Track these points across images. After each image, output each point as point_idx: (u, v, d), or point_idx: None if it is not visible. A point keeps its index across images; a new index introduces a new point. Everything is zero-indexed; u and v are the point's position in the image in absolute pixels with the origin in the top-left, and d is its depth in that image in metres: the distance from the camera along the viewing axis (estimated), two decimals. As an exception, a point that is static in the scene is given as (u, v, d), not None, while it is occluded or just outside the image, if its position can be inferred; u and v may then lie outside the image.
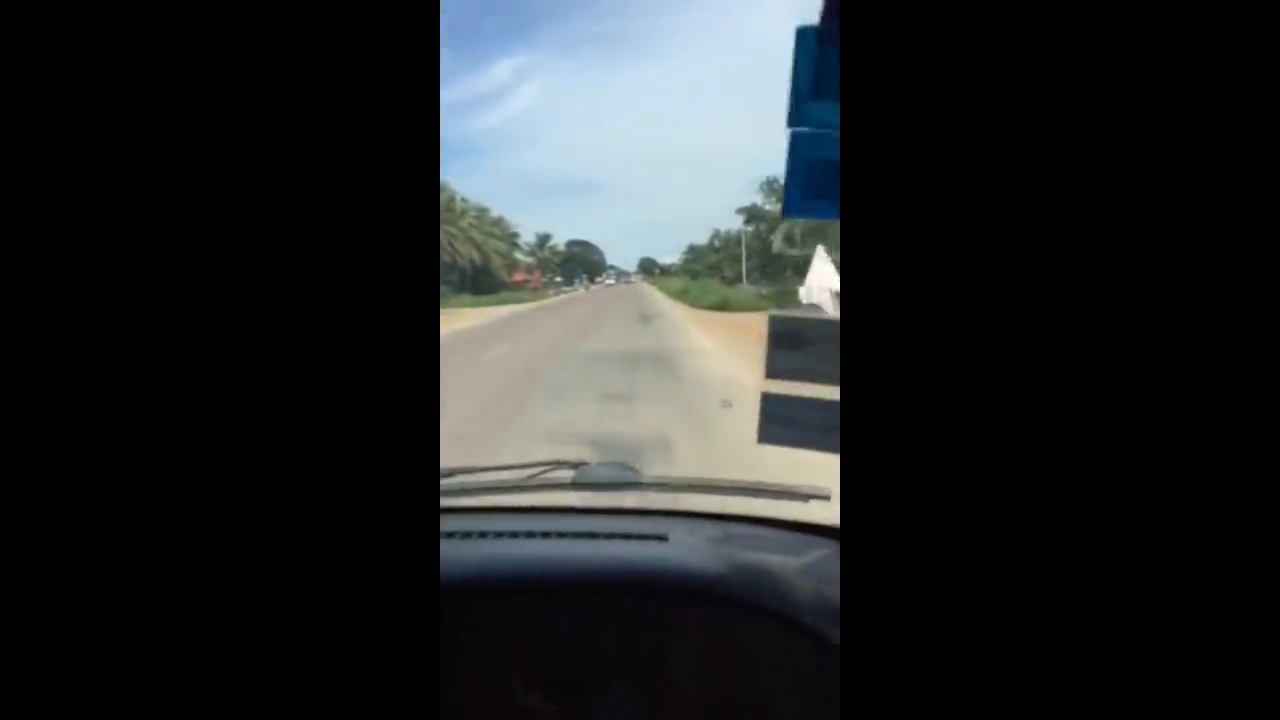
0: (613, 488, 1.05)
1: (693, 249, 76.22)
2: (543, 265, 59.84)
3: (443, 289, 34.35)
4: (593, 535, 0.95)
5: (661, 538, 0.93)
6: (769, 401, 0.75)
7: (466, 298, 33.99)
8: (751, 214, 36.82)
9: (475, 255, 37.21)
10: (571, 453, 1.15)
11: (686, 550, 0.91)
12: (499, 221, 45.29)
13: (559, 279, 61.04)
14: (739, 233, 39.32)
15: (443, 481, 1.05)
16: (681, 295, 29.87)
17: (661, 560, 0.88)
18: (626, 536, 0.95)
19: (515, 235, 47.66)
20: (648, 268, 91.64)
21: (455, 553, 0.90)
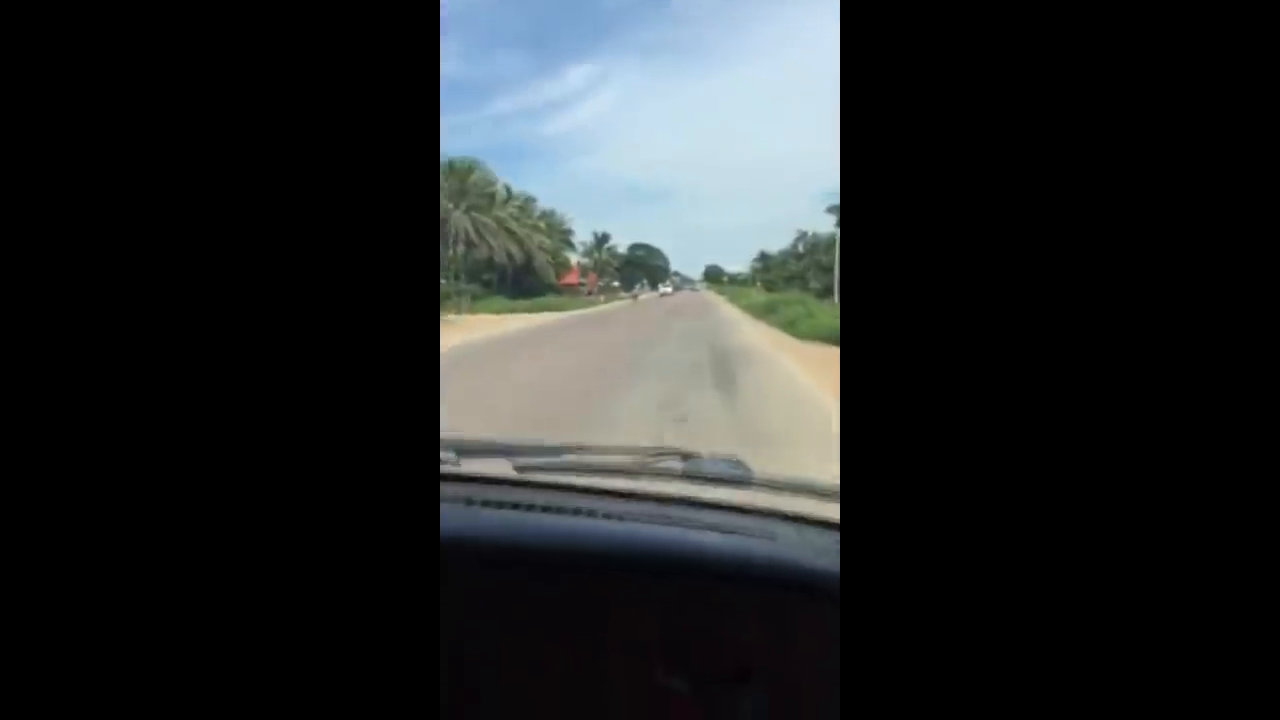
0: (722, 483, 1.04)
1: (764, 256, 70.14)
2: (599, 268, 54.24)
3: (472, 289, 29.09)
4: (699, 526, 0.92)
5: (769, 537, 0.92)
6: None
7: (498, 301, 28.47)
8: (847, 213, 30.55)
9: (515, 250, 31.78)
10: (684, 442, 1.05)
11: (795, 548, 0.90)
12: (548, 215, 39.84)
13: (616, 284, 55.30)
14: (830, 235, 33.08)
15: (552, 459, 1.09)
16: (767, 314, 21.00)
17: (771, 553, 0.87)
18: (732, 531, 0.92)
19: (569, 232, 41.99)
20: (714, 275, 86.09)
21: (563, 525, 0.90)
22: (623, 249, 71.58)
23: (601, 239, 55.15)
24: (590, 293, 50.16)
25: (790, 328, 15.80)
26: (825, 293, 29.03)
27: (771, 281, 51.45)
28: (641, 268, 72.44)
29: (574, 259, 47.49)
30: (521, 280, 33.23)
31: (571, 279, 44.33)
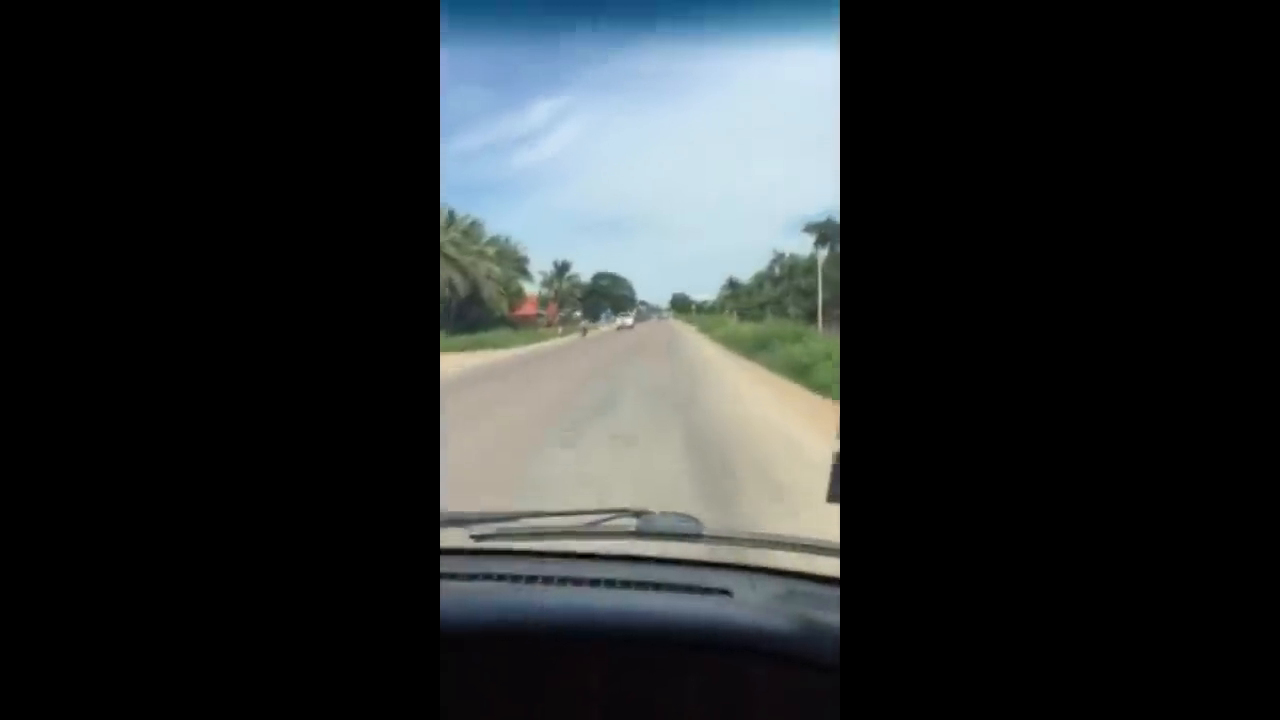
0: (675, 538, 1.06)
1: (734, 284, 67.29)
2: (560, 298, 50.72)
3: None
4: (656, 586, 0.94)
5: (725, 592, 0.93)
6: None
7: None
8: (825, 233, 27.54)
9: (458, 280, 28.13)
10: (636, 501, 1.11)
11: (750, 607, 0.90)
12: (498, 242, 36.25)
13: (578, 314, 51.74)
14: (810, 257, 30.03)
15: (505, 524, 1.09)
16: (756, 350, 15.38)
17: (728, 617, 0.88)
18: (690, 589, 0.94)
19: (523, 260, 38.41)
20: (681, 304, 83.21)
21: (524, 598, 0.91)
22: (587, 278, 68.77)
23: (562, 267, 51.81)
24: (550, 324, 46.68)
25: (803, 376, 10.35)
26: (808, 319, 25.82)
27: (744, 309, 48.57)
28: (606, 297, 69.19)
29: (531, 289, 43.97)
30: (467, 312, 29.53)
31: (528, 310, 40.69)
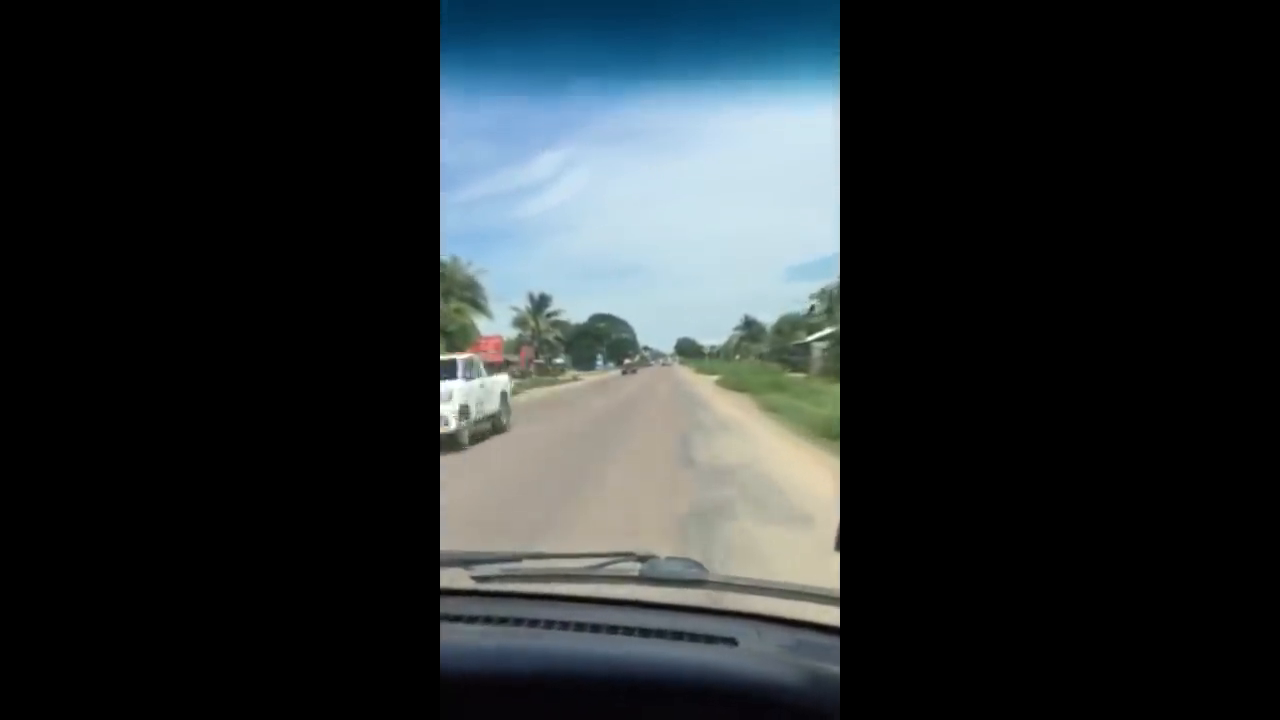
0: (680, 584, 1.04)
1: (750, 323, 57.91)
2: (538, 342, 40.80)
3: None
4: (661, 634, 0.93)
5: (730, 640, 0.92)
6: None
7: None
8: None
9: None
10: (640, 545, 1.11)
11: (756, 657, 0.89)
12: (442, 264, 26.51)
13: (560, 360, 41.89)
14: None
15: (508, 565, 1.08)
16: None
17: (733, 667, 0.87)
18: (694, 637, 0.93)
19: (475, 290, 28.39)
20: (688, 349, 73.97)
21: (524, 643, 0.91)
22: (583, 319, 59.61)
23: (539, 302, 41.99)
24: (520, 373, 37.04)
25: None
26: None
27: (764, 355, 39.17)
28: (601, 340, 59.69)
29: (492, 328, 34.41)
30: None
31: (486, 349, 30.72)
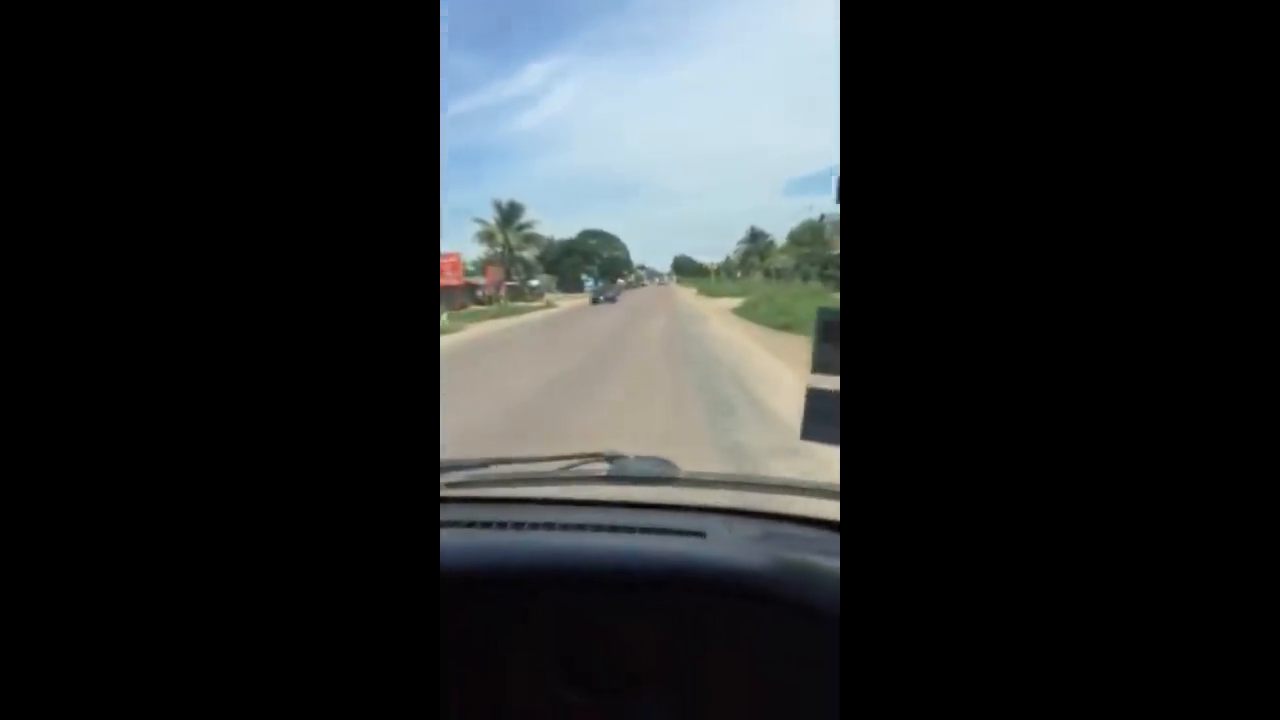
0: (649, 482, 1.05)
1: (756, 235, 51.48)
2: (508, 259, 34.39)
3: None
4: (629, 529, 0.94)
5: (699, 534, 0.93)
6: (814, 397, 0.75)
7: None
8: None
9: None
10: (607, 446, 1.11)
11: (724, 546, 0.91)
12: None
13: (535, 282, 35.56)
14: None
15: (476, 471, 1.09)
16: None
17: (700, 556, 0.88)
18: (664, 531, 0.94)
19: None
20: (686, 268, 67.64)
21: (489, 542, 0.92)
22: (573, 236, 52.80)
23: (509, 212, 35.12)
24: (488, 297, 30.92)
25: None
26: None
27: (784, 270, 33.07)
28: (591, 259, 53.24)
29: (453, 246, 28.04)
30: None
31: (444, 278, 24.31)
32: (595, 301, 28.25)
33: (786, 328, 11.07)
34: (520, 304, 28.84)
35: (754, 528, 0.96)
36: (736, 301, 19.84)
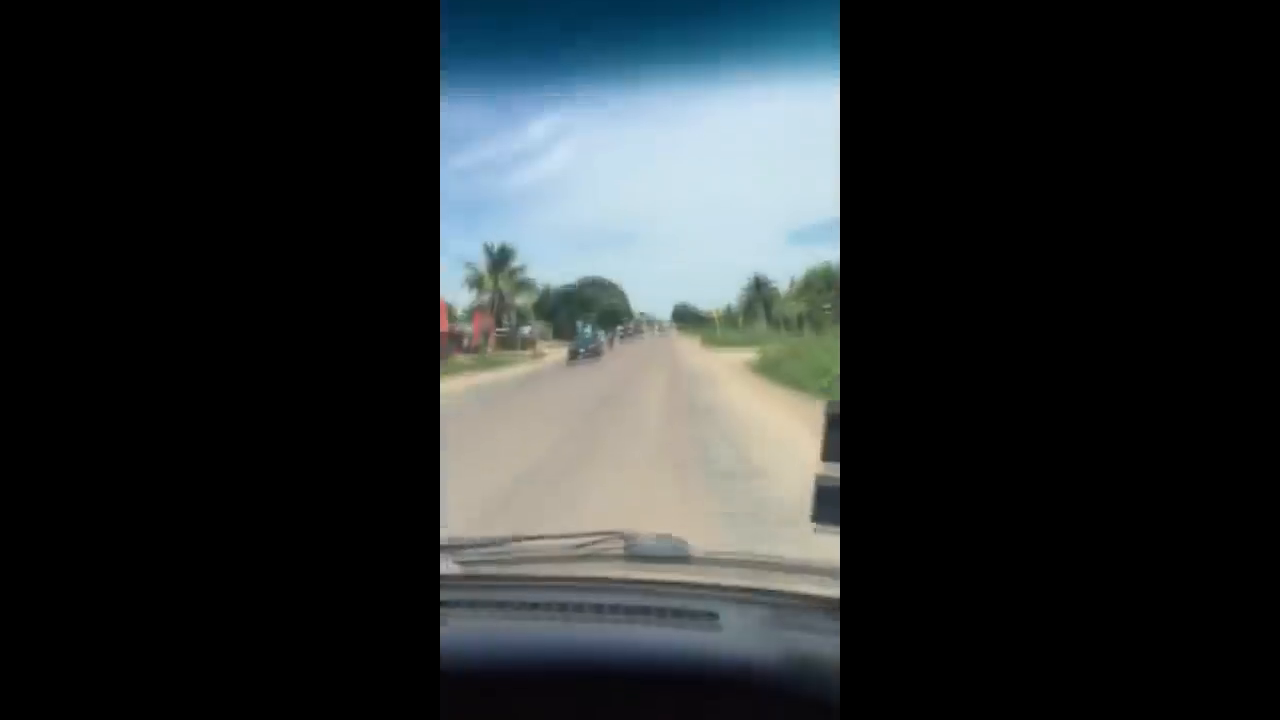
0: (663, 561, 1.05)
1: (760, 284, 49.82)
2: (497, 306, 32.13)
3: None
4: (645, 611, 0.95)
5: (713, 616, 0.93)
6: (824, 484, 0.78)
7: None
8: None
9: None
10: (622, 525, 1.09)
11: (736, 634, 0.91)
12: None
13: (527, 329, 33.22)
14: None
15: (494, 550, 1.10)
16: None
17: (712, 648, 0.89)
18: (678, 614, 0.94)
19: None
20: (686, 316, 65.87)
21: (510, 626, 0.93)
22: (571, 283, 51.03)
23: (500, 257, 33.03)
24: (473, 347, 28.68)
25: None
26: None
27: (783, 320, 30.95)
28: (589, 307, 51.30)
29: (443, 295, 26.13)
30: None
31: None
32: (574, 358, 21.59)
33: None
34: (506, 355, 26.49)
35: (765, 610, 0.95)
36: (749, 354, 16.98)
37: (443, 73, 0.48)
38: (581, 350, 22.34)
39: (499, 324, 31.42)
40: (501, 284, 32.17)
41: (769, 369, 12.93)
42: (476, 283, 32.08)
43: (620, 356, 23.20)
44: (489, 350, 27.67)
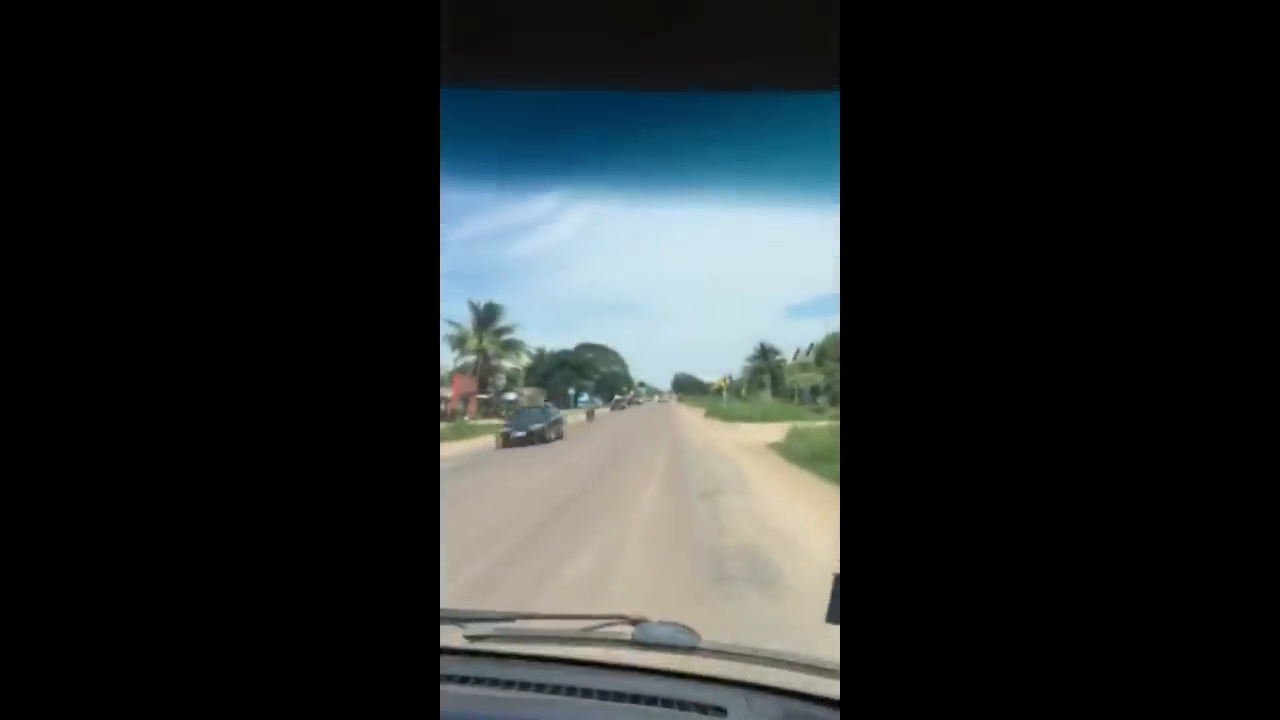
0: (671, 650, 1.06)
1: (766, 352, 47.39)
2: (481, 369, 29.19)
3: None
4: (653, 700, 0.95)
5: (720, 710, 0.94)
6: (839, 582, 0.83)
7: None
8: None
9: None
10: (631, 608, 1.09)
11: None
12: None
13: (513, 395, 30.12)
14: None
15: (503, 625, 1.11)
16: None
17: None
18: (684, 706, 0.94)
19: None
20: (686, 386, 63.22)
21: (517, 705, 0.94)
22: (569, 348, 48.56)
23: (485, 315, 30.26)
24: (449, 413, 25.67)
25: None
26: None
27: (796, 392, 28.28)
28: (585, 373, 48.55)
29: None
30: None
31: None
32: (506, 443, 14.59)
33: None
34: (485, 424, 23.42)
35: (775, 706, 0.95)
36: (770, 432, 13.10)
37: (447, 145, 0.47)
38: (518, 432, 14.94)
39: (483, 388, 28.48)
40: (487, 344, 29.35)
41: (801, 455, 9.32)
42: (459, 342, 29.37)
43: (605, 432, 18.27)
44: (467, 417, 24.63)
